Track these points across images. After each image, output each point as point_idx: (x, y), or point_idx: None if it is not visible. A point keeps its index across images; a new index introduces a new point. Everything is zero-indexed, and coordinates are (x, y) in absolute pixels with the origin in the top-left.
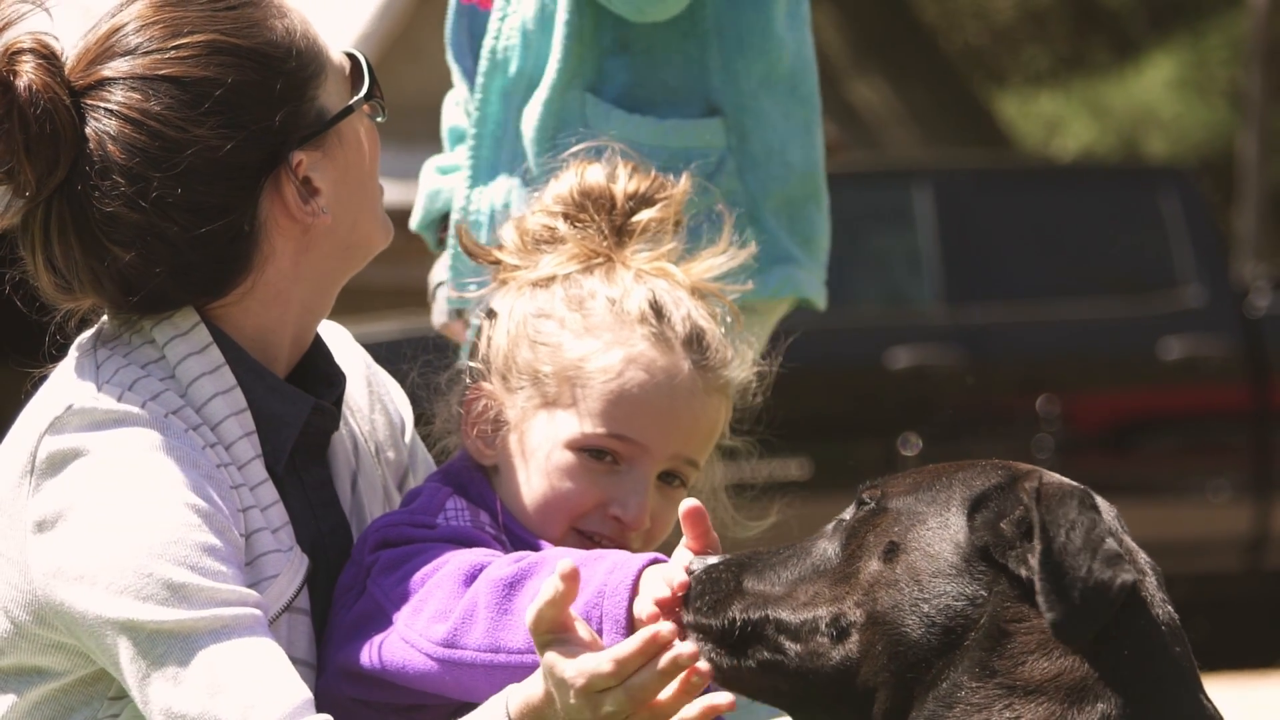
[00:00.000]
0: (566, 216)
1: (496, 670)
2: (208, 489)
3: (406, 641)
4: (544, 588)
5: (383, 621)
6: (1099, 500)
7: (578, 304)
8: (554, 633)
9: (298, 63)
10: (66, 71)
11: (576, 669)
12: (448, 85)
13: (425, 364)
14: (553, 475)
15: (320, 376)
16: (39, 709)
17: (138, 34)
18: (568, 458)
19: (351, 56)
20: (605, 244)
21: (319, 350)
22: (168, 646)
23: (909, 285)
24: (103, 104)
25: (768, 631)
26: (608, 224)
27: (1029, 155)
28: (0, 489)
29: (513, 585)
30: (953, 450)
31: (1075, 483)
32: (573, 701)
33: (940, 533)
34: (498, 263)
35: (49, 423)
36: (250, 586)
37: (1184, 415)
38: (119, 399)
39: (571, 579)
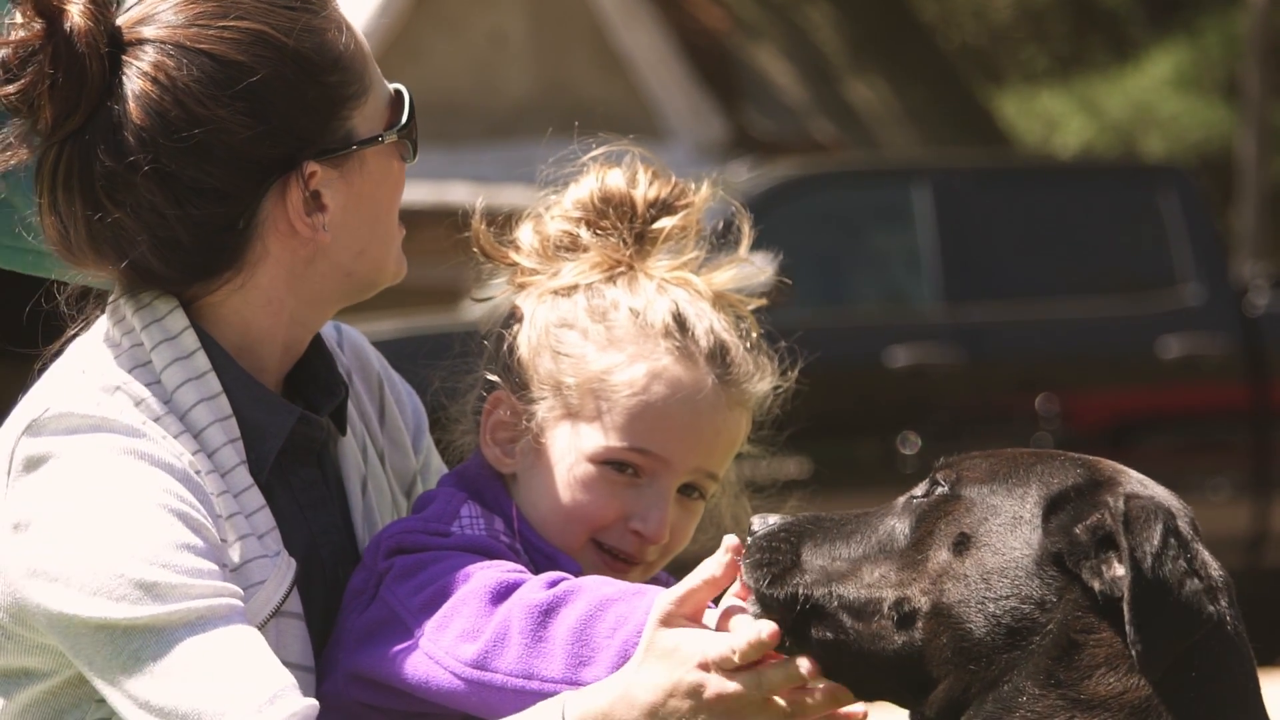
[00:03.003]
0: (588, 223)
1: (526, 695)
2: (184, 491)
3: (431, 658)
4: (708, 564)
5: (399, 630)
6: (1177, 507)
7: (601, 315)
8: (690, 618)
9: (340, 79)
10: (113, 22)
11: (726, 643)
12: (448, 84)
13: (447, 369)
14: (574, 487)
15: (321, 384)
16: (29, 711)
17: (190, 6)
18: (589, 470)
19: (399, 93)
20: (627, 252)
21: (320, 357)
22: (143, 641)
23: (908, 284)
24: (136, 62)
25: (830, 607)
26: (629, 231)
27: (1027, 154)
28: None
29: (548, 612)
30: (952, 450)
31: (1157, 496)
32: (689, 679)
33: (1013, 531)
34: (514, 265)
35: (27, 425)
36: None
37: (1183, 414)
38: (98, 404)
39: (737, 552)
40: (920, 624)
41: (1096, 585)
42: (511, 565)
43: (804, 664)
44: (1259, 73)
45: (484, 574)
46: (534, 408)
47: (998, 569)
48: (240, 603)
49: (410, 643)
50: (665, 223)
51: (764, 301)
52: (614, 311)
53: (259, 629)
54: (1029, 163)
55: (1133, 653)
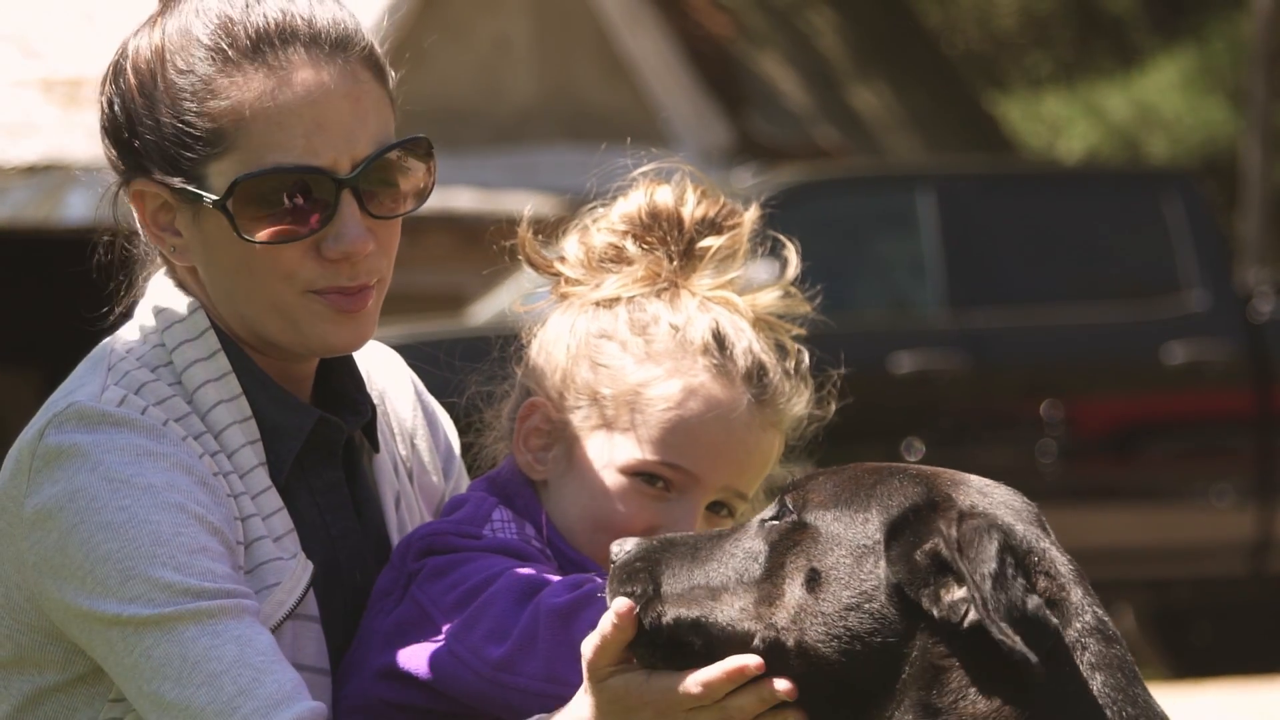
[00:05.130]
0: (634, 237)
1: (550, 700)
2: (200, 494)
3: (459, 658)
4: (602, 623)
5: (429, 629)
6: (1017, 508)
7: (641, 329)
8: (615, 664)
9: (197, 123)
10: None
11: (667, 686)
12: (453, 90)
13: (484, 375)
14: (604, 497)
15: (349, 403)
16: (41, 708)
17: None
18: (620, 481)
19: (280, 173)
20: (671, 268)
21: (350, 377)
22: (154, 640)
23: (912, 290)
24: None
25: (696, 644)
26: (675, 247)
27: (1032, 160)
28: (6, 485)
29: (569, 615)
30: (957, 456)
31: (992, 509)
32: None
33: (860, 563)
34: (558, 275)
35: (49, 419)
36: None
37: (1187, 420)
38: (121, 402)
39: (627, 615)
40: (793, 662)
41: (936, 612)
42: (541, 566)
43: (782, 684)
44: (1264, 78)
45: (511, 574)
46: (569, 416)
47: (852, 605)
48: (253, 603)
49: (441, 642)
50: (711, 242)
51: (804, 331)
52: (654, 326)
53: (274, 631)
54: (1033, 168)
55: (1017, 659)
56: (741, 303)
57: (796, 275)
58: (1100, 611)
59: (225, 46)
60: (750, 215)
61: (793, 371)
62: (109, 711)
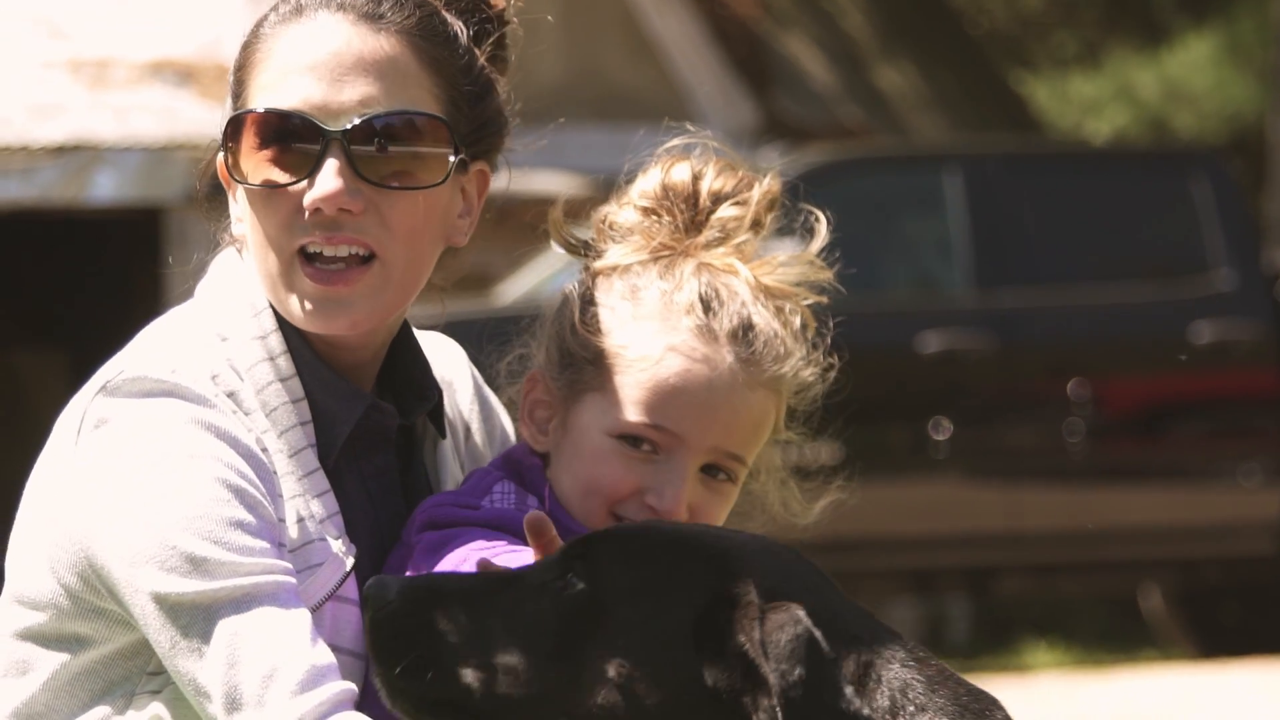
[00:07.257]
0: (645, 210)
1: None
2: (244, 466)
3: None
4: None
5: None
6: (806, 580)
7: (631, 294)
8: None
9: (242, 68)
10: None
11: None
12: None
13: (511, 353)
14: (592, 461)
15: (415, 389)
16: (79, 680)
17: None
18: (607, 444)
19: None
20: (675, 238)
21: (415, 362)
22: (190, 618)
23: (939, 269)
24: None
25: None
26: (684, 219)
27: (1059, 139)
28: (56, 450)
29: None
30: (984, 435)
31: (787, 586)
32: None
33: (672, 672)
34: (586, 254)
35: (101, 385)
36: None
37: (1214, 399)
38: (173, 371)
39: None
40: None
41: (755, 718)
42: (484, 543)
43: None
44: None
45: (456, 553)
46: (562, 384)
47: (668, 708)
48: (290, 580)
49: None
50: (721, 213)
51: (823, 299)
52: (645, 290)
53: (314, 611)
54: (1060, 148)
55: None
56: (744, 269)
57: (820, 247)
58: (901, 643)
59: (278, 11)
60: (765, 188)
61: (783, 331)
62: (146, 685)
